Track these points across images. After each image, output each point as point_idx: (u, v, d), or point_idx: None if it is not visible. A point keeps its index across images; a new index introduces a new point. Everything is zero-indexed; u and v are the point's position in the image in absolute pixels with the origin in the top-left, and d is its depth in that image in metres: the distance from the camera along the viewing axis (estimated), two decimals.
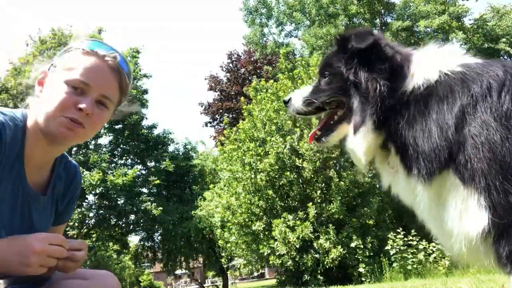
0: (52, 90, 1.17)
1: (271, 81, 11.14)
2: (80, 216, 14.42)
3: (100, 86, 1.19)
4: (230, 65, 24.41)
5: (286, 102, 1.57)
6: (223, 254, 12.08)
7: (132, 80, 1.32)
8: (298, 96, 1.51)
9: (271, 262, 9.10)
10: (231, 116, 22.73)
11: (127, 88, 1.29)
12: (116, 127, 17.59)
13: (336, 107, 1.45)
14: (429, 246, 8.47)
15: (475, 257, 1.14)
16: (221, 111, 23.47)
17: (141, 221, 17.11)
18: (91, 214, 16.07)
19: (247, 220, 9.52)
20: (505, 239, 1.04)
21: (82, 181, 12.10)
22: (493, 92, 1.10)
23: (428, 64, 1.26)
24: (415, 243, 8.46)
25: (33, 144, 1.19)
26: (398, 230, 8.68)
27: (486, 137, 1.05)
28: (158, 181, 16.20)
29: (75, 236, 14.74)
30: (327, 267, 8.44)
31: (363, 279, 8.27)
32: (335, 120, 1.46)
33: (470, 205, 1.08)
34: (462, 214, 1.11)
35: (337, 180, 8.81)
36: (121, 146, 18.32)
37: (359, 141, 1.30)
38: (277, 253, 8.72)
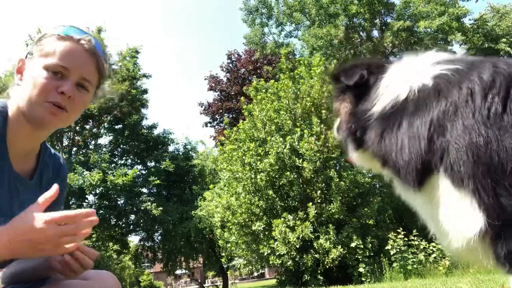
0: (32, 77, 1.18)
1: (272, 81, 11.13)
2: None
3: (79, 69, 1.21)
4: (230, 65, 24.42)
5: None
6: (223, 254, 12.08)
7: (108, 62, 1.35)
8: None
9: (271, 262, 9.10)
10: (231, 116, 22.74)
11: (105, 70, 1.32)
12: (116, 127, 17.61)
13: None
14: (429, 246, 8.47)
15: (473, 256, 1.15)
16: (221, 111, 23.48)
17: (141, 221, 17.12)
18: None
19: (247, 220, 9.52)
20: (502, 240, 1.04)
21: (82, 181, 11.99)
22: (476, 96, 1.09)
23: (397, 81, 1.29)
24: (415, 243, 8.47)
25: (16, 131, 1.20)
26: (398, 230, 8.68)
27: (469, 140, 1.06)
28: (158, 181, 16.19)
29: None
30: (327, 267, 8.44)
31: (363, 279, 8.27)
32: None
33: (463, 207, 1.09)
34: (457, 216, 1.11)
35: (337, 180, 8.81)
36: (121, 146, 18.32)
37: (353, 158, 1.44)
38: (277, 253, 8.72)
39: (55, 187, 1.09)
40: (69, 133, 17.16)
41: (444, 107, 1.13)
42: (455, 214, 1.12)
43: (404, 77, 1.29)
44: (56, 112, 1.18)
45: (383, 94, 1.30)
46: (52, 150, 1.44)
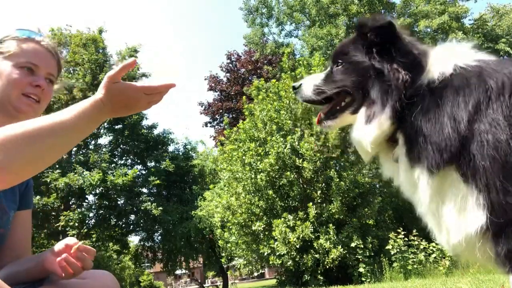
0: (4, 74, 1.31)
1: (274, 80, 11.13)
2: (80, 216, 14.41)
3: (46, 66, 1.38)
4: (230, 65, 24.41)
5: (295, 88, 1.53)
6: (223, 254, 12.08)
7: (61, 57, 1.51)
8: (309, 84, 1.48)
9: (271, 262, 9.10)
10: (231, 116, 22.74)
11: (61, 65, 1.50)
12: (116, 127, 17.60)
13: (344, 95, 1.43)
14: (429, 246, 8.48)
15: (472, 254, 1.15)
16: (221, 111, 23.48)
17: (141, 221, 17.10)
18: (91, 214, 16.05)
19: (247, 220, 9.52)
20: (503, 238, 1.04)
21: (82, 181, 11.94)
22: (506, 91, 1.09)
23: (444, 59, 1.26)
24: (415, 243, 8.47)
25: None
26: (398, 230, 8.69)
27: (493, 135, 1.05)
28: (158, 181, 16.18)
29: (75, 236, 14.73)
30: (327, 267, 8.44)
31: (363, 279, 8.27)
32: (342, 106, 1.43)
33: (469, 203, 1.09)
34: (461, 211, 1.11)
35: (338, 180, 8.81)
36: (121, 146, 18.31)
37: (372, 129, 1.28)
38: (277, 253, 8.72)
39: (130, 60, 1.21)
40: None
41: (480, 94, 1.11)
42: (459, 207, 1.11)
43: (448, 57, 1.27)
44: (32, 104, 1.34)
45: (432, 68, 1.26)
46: None
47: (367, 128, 1.29)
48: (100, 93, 1.10)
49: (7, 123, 1.30)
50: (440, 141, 1.13)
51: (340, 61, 1.42)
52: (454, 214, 1.13)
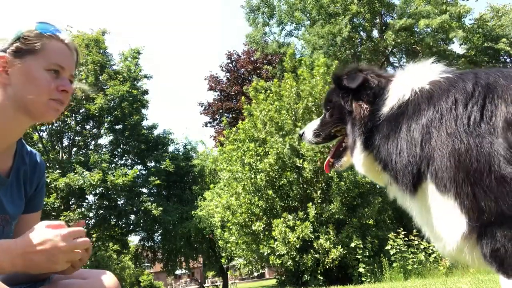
0: (33, 77, 1.25)
1: (275, 80, 11.13)
2: (80, 216, 14.41)
3: (70, 67, 1.34)
4: (230, 65, 24.41)
5: (300, 136, 1.82)
6: (223, 254, 12.07)
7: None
8: (309, 129, 1.75)
9: (271, 262, 9.10)
10: (231, 116, 22.74)
11: (79, 63, 1.46)
12: (116, 127, 17.60)
13: (344, 135, 1.64)
14: (429, 246, 8.47)
15: (466, 258, 1.21)
16: (221, 111, 23.48)
17: (141, 221, 17.11)
18: (91, 214, 16.06)
19: (247, 220, 9.52)
20: (486, 239, 1.10)
21: (82, 181, 11.93)
22: (459, 105, 1.18)
23: (403, 85, 1.39)
24: (415, 243, 8.47)
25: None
26: (398, 230, 8.68)
27: (452, 148, 1.13)
28: (158, 181, 16.19)
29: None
30: (327, 267, 8.44)
31: (363, 279, 8.27)
32: (343, 147, 1.67)
33: (450, 212, 1.15)
34: (444, 220, 1.19)
35: (337, 180, 8.81)
36: (121, 146, 18.32)
37: (356, 160, 1.48)
38: (277, 253, 8.72)
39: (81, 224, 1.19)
40: (69, 133, 17.17)
41: (431, 114, 1.21)
42: (442, 217, 1.19)
43: (408, 80, 1.39)
44: (59, 108, 1.31)
45: (390, 96, 1.39)
46: (29, 148, 1.47)
47: (355, 160, 1.50)
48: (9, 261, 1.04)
49: (30, 123, 1.35)
50: (402, 166, 1.24)
51: (328, 107, 1.69)
52: (442, 224, 1.20)
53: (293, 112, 9.87)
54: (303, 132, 1.78)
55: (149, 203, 15.75)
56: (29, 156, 1.43)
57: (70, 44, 1.35)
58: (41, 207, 1.50)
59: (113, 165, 17.16)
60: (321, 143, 1.75)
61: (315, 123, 1.75)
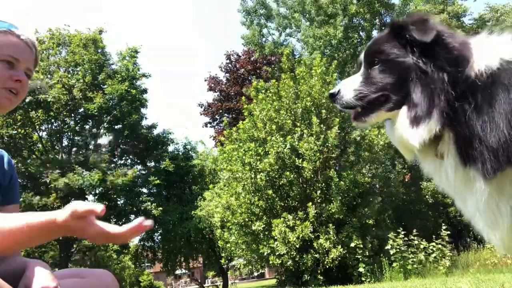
0: None
1: (273, 80, 11.13)
2: None
3: (25, 60, 1.37)
4: (229, 65, 24.40)
5: (333, 95, 1.41)
6: (223, 254, 12.08)
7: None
8: (349, 89, 1.37)
9: (271, 262, 9.10)
10: (230, 116, 22.73)
11: (38, 60, 1.49)
12: (116, 127, 17.60)
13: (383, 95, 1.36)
14: (429, 246, 8.47)
15: None
16: (220, 111, 23.47)
17: None
18: None
19: (247, 220, 9.52)
20: None
21: (82, 181, 11.86)
22: None
23: (487, 52, 1.19)
24: (415, 243, 8.47)
25: None
26: (398, 230, 8.68)
27: None
28: (158, 181, 16.19)
29: (74, 236, 14.70)
30: (327, 267, 8.44)
31: (363, 279, 8.28)
32: (377, 104, 1.35)
33: None
34: None
35: (337, 180, 8.81)
36: (121, 146, 18.31)
37: (420, 133, 1.21)
38: (277, 253, 8.72)
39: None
40: (69, 133, 17.17)
41: None
42: None
43: (491, 49, 1.20)
44: (12, 98, 1.34)
45: (476, 61, 1.18)
46: None
47: (415, 131, 1.22)
48: (61, 218, 1.09)
49: None
50: (497, 146, 1.07)
51: (376, 60, 1.34)
52: None
53: (292, 112, 9.87)
54: (338, 91, 1.39)
55: (149, 203, 15.75)
56: None
57: (26, 39, 1.39)
58: (19, 201, 1.54)
59: (112, 165, 17.16)
60: (362, 108, 1.37)
61: (355, 81, 1.38)
